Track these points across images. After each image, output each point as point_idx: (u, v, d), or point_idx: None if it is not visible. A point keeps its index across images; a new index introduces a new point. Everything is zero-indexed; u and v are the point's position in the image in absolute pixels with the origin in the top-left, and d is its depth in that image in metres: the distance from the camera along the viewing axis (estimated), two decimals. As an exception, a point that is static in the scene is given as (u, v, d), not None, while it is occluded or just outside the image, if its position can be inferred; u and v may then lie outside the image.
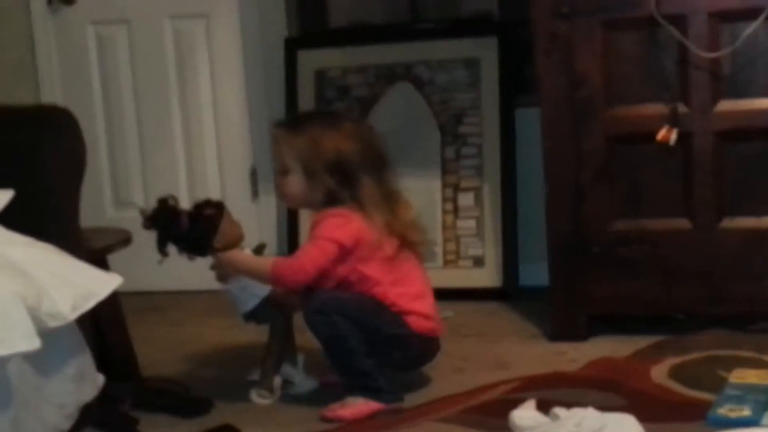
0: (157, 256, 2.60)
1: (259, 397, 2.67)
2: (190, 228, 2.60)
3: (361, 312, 2.55)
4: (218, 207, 2.65)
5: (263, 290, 2.64)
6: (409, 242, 2.64)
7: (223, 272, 2.65)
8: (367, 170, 2.58)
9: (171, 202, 2.63)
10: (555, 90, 2.95)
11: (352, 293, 2.58)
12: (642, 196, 2.95)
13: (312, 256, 2.55)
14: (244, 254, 2.64)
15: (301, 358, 2.78)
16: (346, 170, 2.57)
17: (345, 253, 2.56)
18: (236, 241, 2.64)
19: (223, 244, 2.61)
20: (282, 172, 2.64)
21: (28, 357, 2.07)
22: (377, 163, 2.62)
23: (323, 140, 2.58)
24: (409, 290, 2.62)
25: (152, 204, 2.66)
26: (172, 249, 2.62)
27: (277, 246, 3.87)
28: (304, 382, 2.74)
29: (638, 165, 2.94)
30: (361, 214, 2.57)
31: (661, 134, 2.85)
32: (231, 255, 2.62)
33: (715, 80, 2.85)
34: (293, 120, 2.75)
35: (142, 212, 2.64)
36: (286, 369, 2.73)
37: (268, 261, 2.62)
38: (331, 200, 2.59)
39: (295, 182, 2.61)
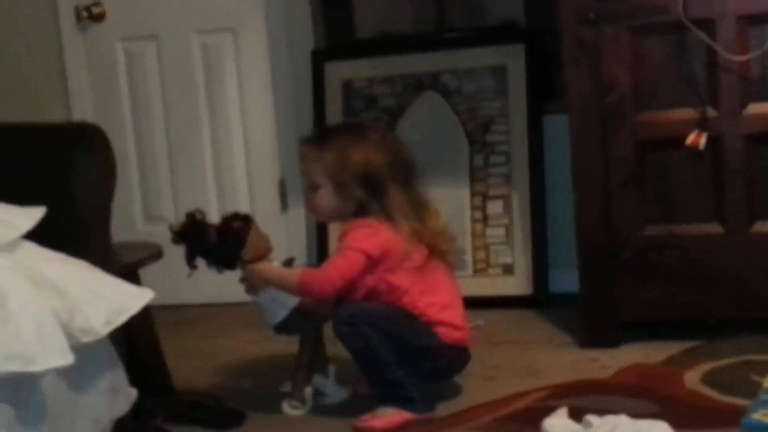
0: (187, 271, 2.62)
1: (290, 408, 2.68)
2: (219, 241, 2.62)
3: (390, 323, 2.56)
4: (246, 220, 2.67)
5: (292, 301, 2.65)
6: (438, 251, 2.64)
7: (252, 284, 2.66)
8: (395, 180, 2.59)
9: (199, 216, 2.65)
10: (583, 96, 2.95)
11: (381, 304, 2.59)
12: (672, 201, 2.93)
13: (339, 266, 2.56)
14: (273, 266, 2.66)
15: (332, 369, 2.79)
16: (375, 181, 2.58)
17: (373, 263, 2.57)
18: (264, 253, 2.65)
19: (251, 257, 2.63)
20: (312, 187, 2.65)
21: (62, 372, 2.08)
22: (405, 172, 2.63)
23: (351, 153, 2.59)
24: (439, 300, 2.62)
25: (181, 218, 2.68)
26: (201, 262, 2.64)
27: (306, 258, 3.88)
28: (335, 393, 2.75)
29: (668, 170, 2.93)
30: (389, 224, 2.58)
31: (691, 139, 2.84)
32: (260, 267, 2.63)
33: (744, 83, 2.83)
34: (319, 135, 2.75)
35: (171, 227, 2.66)
36: (318, 380, 2.74)
37: (296, 272, 2.63)
38: (361, 211, 2.60)
39: (326, 197, 2.62)
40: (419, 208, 2.63)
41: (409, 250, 2.58)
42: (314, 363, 2.74)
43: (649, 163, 2.94)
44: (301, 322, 2.69)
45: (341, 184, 2.59)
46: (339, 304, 2.62)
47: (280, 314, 2.66)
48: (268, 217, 3.88)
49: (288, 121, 3.95)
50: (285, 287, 2.63)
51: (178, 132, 4.05)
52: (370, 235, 2.56)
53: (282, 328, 2.70)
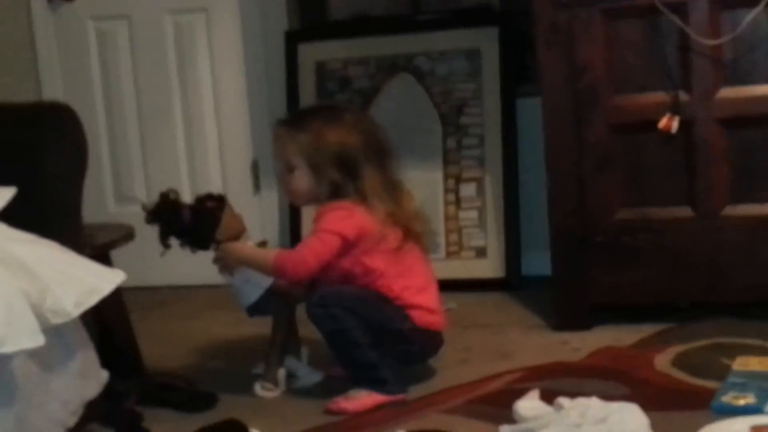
0: (160, 249, 2.61)
1: (263, 391, 2.68)
2: (192, 221, 2.61)
3: (363, 305, 2.56)
4: (219, 200, 2.66)
5: (266, 281, 2.64)
6: (413, 233, 2.64)
7: (225, 264, 2.65)
8: (370, 162, 2.59)
9: (172, 195, 2.64)
10: (556, 79, 2.95)
11: (355, 287, 2.58)
12: (645, 184, 2.95)
13: (314, 249, 2.56)
14: (247, 245, 2.65)
15: (305, 351, 2.79)
16: (350, 163, 2.57)
17: (348, 245, 2.56)
18: (238, 234, 2.65)
19: (225, 237, 2.62)
20: (287, 169, 2.64)
21: (32, 354, 2.07)
22: (380, 154, 2.62)
23: (326, 135, 2.58)
24: (414, 283, 2.62)
25: (154, 198, 2.67)
26: (174, 242, 2.63)
27: (279, 240, 3.87)
28: (309, 375, 2.75)
29: (640, 154, 2.94)
30: (364, 206, 2.57)
31: (663, 122, 2.85)
32: (233, 246, 2.62)
33: (717, 67, 2.84)
34: (294, 117, 2.74)
35: (144, 207, 2.65)
36: (291, 362, 2.74)
37: (271, 253, 2.63)
38: (336, 194, 2.59)
39: (302, 178, 2.61)
40: (394, 189, 2.63)
41: (384, 232, 2.58)
42: (288, 345, 2.74)
43: (621, 146, 2.95)
44: (275, 303, 2.68)
45: (316, 165, 2.58)
46: (313, 286, 2.62)
47: (253, 295, 2.66)
48: (241, 199, 3.85)
49: (261, 102, 3.93)
50: (259, 268, 2.62)
51: (150, 112, 4.02)
52: (345, 218, 2.56)
53: (255, 309, 2.69)
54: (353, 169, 2.57)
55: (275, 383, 2.69)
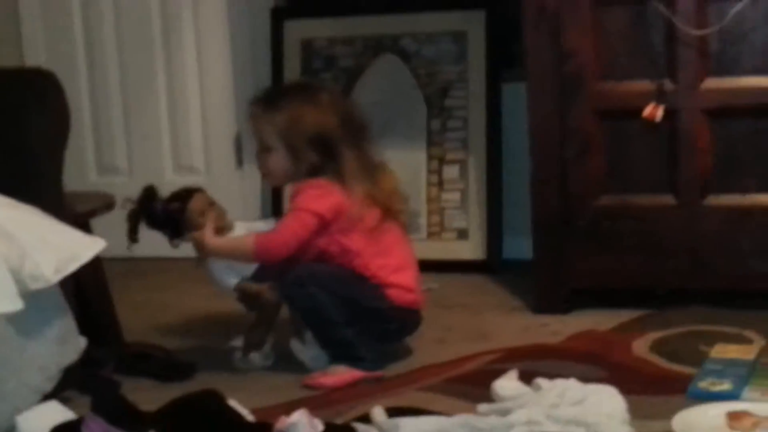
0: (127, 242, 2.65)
1: (242, 363, 2.67)
2: (162, 219, 2.65)
3: (338, 284, 2.55)
4: (185, 199, 2.65)
5: (247, 270, 2.64)
6: (391, 212, 2.63)
7: (199, 257, 2.64)
8: (347, 143, 2.57)
9: (149, 192, 2.67)
10: (542, 65, 2.95)
11: (331, 265, 2.57)
12: (627, 171, 2.94)
13: (293, 228, 2.55)
14: (224, 238, 2.63)
15: (309, 334, 2.67)
16: (328, 144, 2.56)
17: (324, 224, 2.55)
18: (218, 230, 2.63)
19: (193, 233, 2.62)
20: (264, 150, 2.62)
21: (10, 319, 2.06)
22: (357, 134, 2.61)
23: (303, 116, 2.56)
24: (391, 262, 2.61)
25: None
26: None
27: (261, 212, 3.85)
28: (315, 358, 2.63)
29: (624, 141, 2.93)
30: (341, 185, 2.56)
31: (648, 111, 2.85)
32: (210, 243, 2.59)
33: (702, 57, 2.84)
34: (270, 96, 2.68)
35: (126, 201, 2.68)
36: (295, 345, 2.67)
37: (248, 239, 2.60)
38: (314, 173, 2.58)
39: (279, 159, 2.60)
40: (372, 169, 2.62)
41: (362, 212, 2.56)
42: (293, 327, 2.69)
43: (605, 133, 2.94)
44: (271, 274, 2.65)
45: (293, 147, 2.57)
46: (288, 265, 2.59)
47: (232, 282, 2.65)
48: (223, 173, 3.87)
49: (245, 77, 3.90)
50: (239, 257, 2.61)
51: (133, 83, 3.99)
52: (321, 196, 2.55)
53: (256, 278, 2.65)
54: (330, 150, 2.56)
55: (257, 356, 2.67)
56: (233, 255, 2.62)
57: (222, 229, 2.65)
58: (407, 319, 2.66)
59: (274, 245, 2.55)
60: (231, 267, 2.64)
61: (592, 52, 2.92)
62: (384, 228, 2.62)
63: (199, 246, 2.61)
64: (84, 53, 4.02)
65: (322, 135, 2.55)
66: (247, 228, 2.70)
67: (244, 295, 2.68)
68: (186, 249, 2.82)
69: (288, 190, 3.51)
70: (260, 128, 2.62)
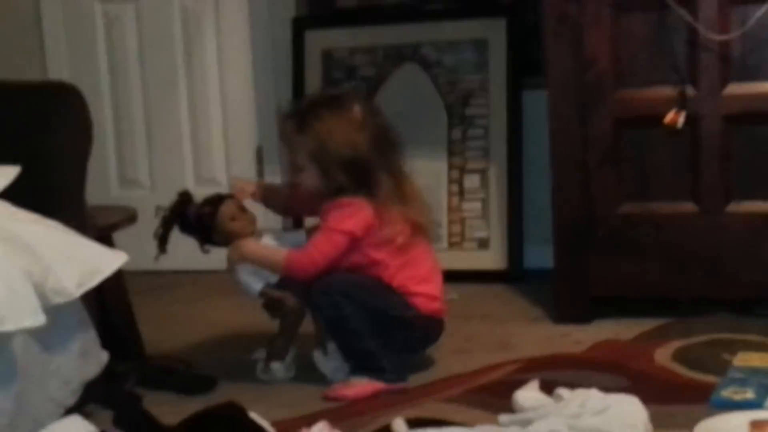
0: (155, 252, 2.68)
1: (264, 375, 2.68)
2: (195, 222, 2.67)
3: (364, 292, 2.56)
4: (216, 204, 2.68)
5: (273, 277, 2.67)
6: (421, 228, 2.64)
7: (230, 261, 2.66)
8: (380, 164, 2.57)
9: (185, 197, 2.71)
10: (563, 72, 2.95)
11: (358, 275, 2.58)
12: (649, 179, 2.94)
13: (323, 249, 2.57)
14: (258, 246, 2.66)
15: (332, 345, 2.67)
16: (360, 168, 2.56)
17: (355, 242, 2.57)
18: (243, 232, 2.66)
19: (224, 241, 2.66)
20: (295, 169, 2.64)
21: (33, 333, 2.07)
22: (389, 151, 2.60)
23: (334, 135, 2.55)
24: (417, 273, 2.63)
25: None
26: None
27: (282, 224, 3.85)
28: (337, 370, 2.63)
29: (646, 148, 2.93)
30: (375, 207, 2.56)
31: (669, 117, 2.84)
32: (245, 247, 2.63)
33: (725, 63, 2.84)
34: (301, 112, 2.65)
35: (159, 208, 2.70)
36: (318, 356, 2.68)
37: (280, 254, 2.62)
38: (344, 192, 2.58)
39: (311, 178, 2.61)
40: (403, 187, 2.62)
41: (394, 232, 2.57)
42: (315, 337, 2.70)
43: (626, 140, 2.94)
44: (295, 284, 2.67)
45: (325, 168, 2.57)
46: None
47: (258, 287, 2.67)
48: (245, 185, 3.87)
49: (267, 88, 3.92)
50: (269, 267, 2.64)
51: (155, 96, 4.02)
52: (352, 214, 2.56)
53: (281, 285, 2.68)
54: (363, 174, 2.56)
55: (279, 367, 2.68)
56: (264, 263, 2.64)
57: (251, 234, 2.68)
58: (431, 327, 2.66)
59: (303, 265, 2.58)
60: (258, 272, 2.67)
61: (614, 58, 2.92)
62: (411, 241, 2.62)
63: (237, 248, 2.64)
64: (107, 67, 4.05)
65: (353, 158, 2.55)
66: (275, 238, 2.73)
67: (268, 300, 2.69)
68: (208, 261, 2.85)
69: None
70: (291, 148, 2.63)
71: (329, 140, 2.56)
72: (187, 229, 2.71)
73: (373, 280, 2.59)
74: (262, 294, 2.69)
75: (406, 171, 2.66)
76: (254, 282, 2.68)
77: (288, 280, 2.66)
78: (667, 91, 2.87)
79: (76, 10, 4.03)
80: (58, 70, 4.03)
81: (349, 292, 2.55)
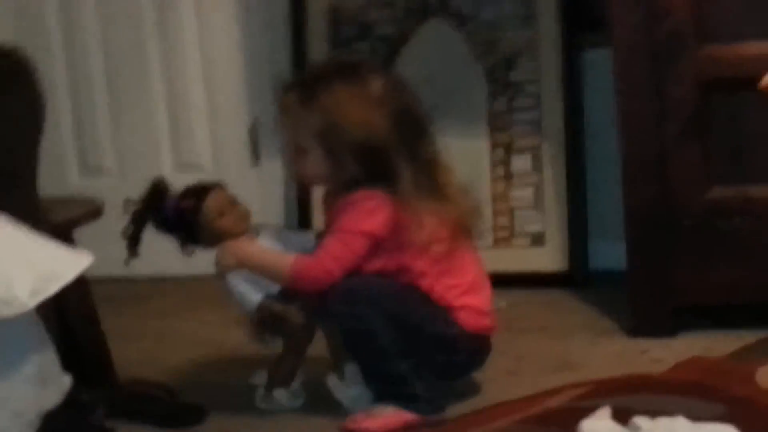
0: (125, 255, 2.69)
1: (265, 403, 2.69)
2: (174, 219, 2.68)
3: (395, 302, 2.57)
4: (200, 196, 2.68)
5: (274, 286, 2.67)
6: (464, 230, 2.64)
7: (222, 266, 2.66)
8: (403, 152, 2.56)
9: (161, 186, 2.70)
10: (631, 25, 2.97)
11: (390, 280, 2.59)
12: (744, 156, 2.96)
13: (337, 254, 2.57)
14: (257, 248, 2.67)
15: (352, 368, 2.68)
16: (377, 155, 2.55)
17: (377, 244, 2.57)
18: (235, 230, 2.67)
19: (210, 241, 2.67)
20: (298, 152, 2.64)
21: (-23, 352, 2.08)
22: (414, 137, 2.60)
23: (347, 112, 2.55)
24: (461, 281, 2.63)
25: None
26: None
27: (284, 221, 3.89)
28: (356, 399, 2.65)
29: (739, 118, 2.95)
30: (396, 204, 2.55)
31: (766, 80, 2.84)
32: (239, 250, 2.64)
33: (837, 8, 2.85)
34: (306, 83, 2.66)
35: (128, 202, 2.71)
36: (333, 381, 2.70)
37: (285, 259, 2.63)
38: (358, 185, 2.58)
39: (315, 163, 2.61)
40: (436, 179, 2.61)
41: (431, 238, 2.56)
42: (333, 357, 2.72)
43: (714, 108, 2.96)
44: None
45: (333, 151, 2.57)
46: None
47: (255, 299, 2.67)
48: (236, 171, 3.89)
49: (260, 53, 3.94)
50: (270, 275, 2.64)
51: (121, 64, 4.05)
52: (371, 212, 2.56)
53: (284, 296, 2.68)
54: (380, 163, 2.55)
55: (285, 394, 2.69)
56: (264, 270, 2.64)
57: (245, 232, 2.69)
58: (478, 347, 2.67)
59: (315, 274, 2.58)
60: (255, 281, 2.67)
61: (694, 7, 2.93)
62: (452, 246, 2.62)
63: (228, 250, 2.64)
64: (59, 30, 4.07)
65: (369, 142, 2.55)
66: (276, 238, 2.73)
67: (267, 316, 2.69)
68: (191, 265, 2.86)
69: (316, 193, 3.55)
70: (293, 126, 2.64)
71: (340, 118, 2.56)
72: (164, 226, 2.71)
73: (407, 287, 2.59)
74: (261, 308, 2.69)
75: (441, 159, 2.66)
76: (251, 292, 2.68)
77: (292, 290, 2.66)
78: (762, 46, 2.88)
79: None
80: (2, 35, 4.04)
81: (379, 300, 2.55)
